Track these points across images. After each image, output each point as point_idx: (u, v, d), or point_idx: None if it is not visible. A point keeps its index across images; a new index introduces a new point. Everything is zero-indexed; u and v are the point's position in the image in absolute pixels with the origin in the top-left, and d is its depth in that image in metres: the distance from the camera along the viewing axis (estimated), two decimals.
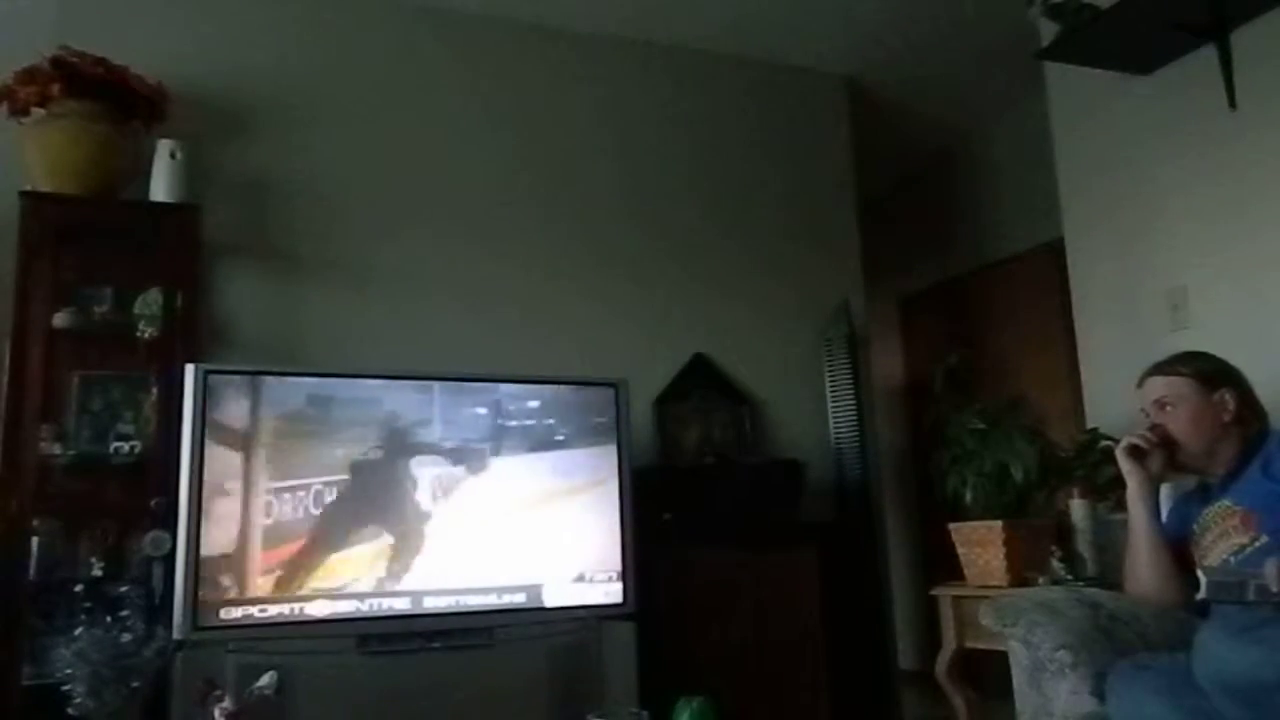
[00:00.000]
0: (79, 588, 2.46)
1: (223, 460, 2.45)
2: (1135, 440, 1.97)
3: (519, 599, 2.68)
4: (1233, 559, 1.78)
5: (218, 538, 2.42)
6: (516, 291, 3.40)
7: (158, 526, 2.52)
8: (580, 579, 2.76)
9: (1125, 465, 1.99)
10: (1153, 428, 1.98)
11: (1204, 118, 2.68)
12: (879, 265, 4.37)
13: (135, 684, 2.14)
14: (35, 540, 2.49)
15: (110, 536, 2.59)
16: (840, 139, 4.07)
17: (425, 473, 2.65)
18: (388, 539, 2.59)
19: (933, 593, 2.70)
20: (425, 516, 2.64)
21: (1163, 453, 1.96)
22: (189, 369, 2.48)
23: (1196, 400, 1.93)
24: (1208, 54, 2.65)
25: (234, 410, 2.49)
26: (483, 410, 2.76)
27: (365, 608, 2.53)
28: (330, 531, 2.54)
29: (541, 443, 2.81)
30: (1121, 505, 2.25)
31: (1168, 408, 1.96)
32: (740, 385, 3.64)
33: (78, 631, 2.18)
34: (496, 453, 2.75)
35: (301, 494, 2.52)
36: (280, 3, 3.32)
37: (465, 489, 2.69)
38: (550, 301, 3.44)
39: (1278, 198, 2.51)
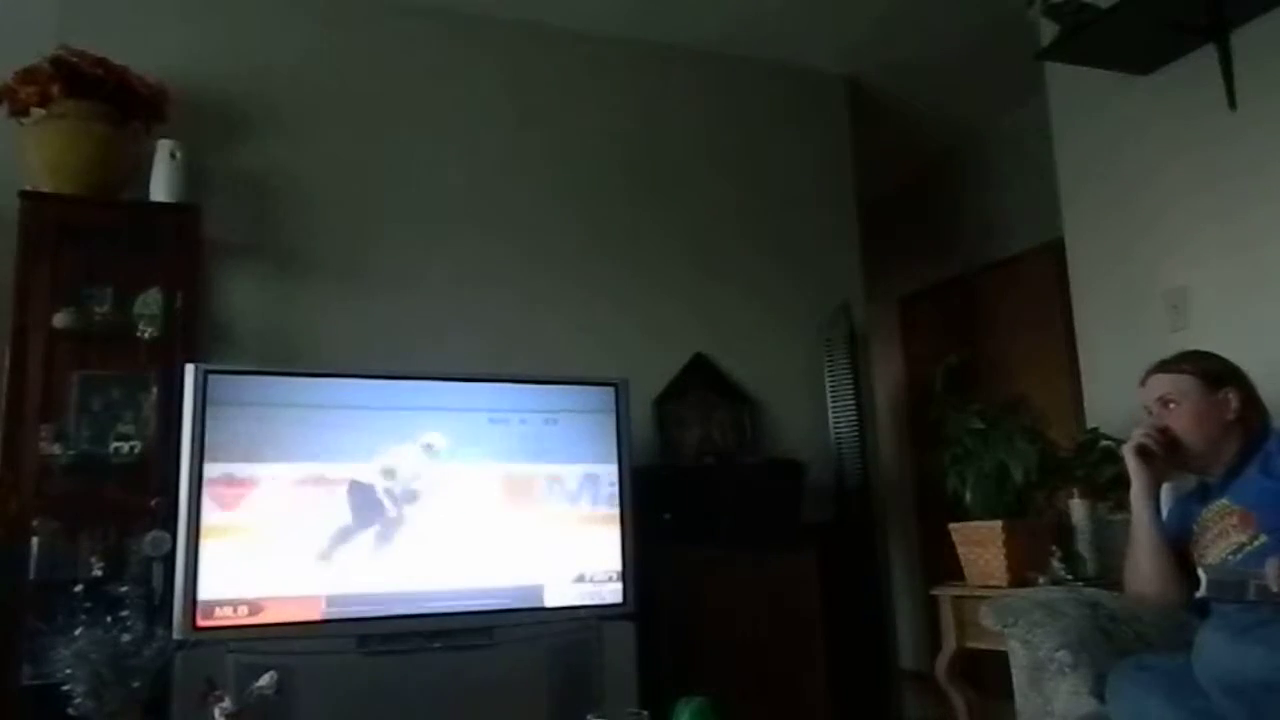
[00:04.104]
0: (79, 588, 2.44)
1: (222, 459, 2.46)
2: (1144, 440, 1.96)
3: (519, 599, 2.68)
4: (1231, 558, 1.78)
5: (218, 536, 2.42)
6: (517, 292, 3.40)
7: (158, 526, 2.53)
8: (580, 579, 2.76)
9: (1132, 464, 1.97)
10: (1157, 427, 1.97)
11: (1204, 118, 2.68)
12: (879, 265, 4.37)
13: (135, 684, 2.13)
14: (35, 540, 2.49)
15: (110, 536, 2.59)
16: (840, 139, 4.07)
17: (425, 472, 2.65)
18: (388, 538, 2.59)
19: (933, 593, 2.69)
20: (426, 516, 2.64)
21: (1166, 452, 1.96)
22: (189, 369, 2.48)
23: (1199, 398, 1.93)
24: (1208, 54, 2.65)
25: (234, 409, 2.49)
26: (483, 410, 2.76)
27: (365, 608, 2.53)
28: (330, 530, 2.53)
29: (541, 442, 2.80)
30: (1121, 505, 2.25)
31: (1171, 405, 1.96)
32: (740, 385, 3.64)
33: (78, 631, 2.17)
34: (497, 453, 2.74)
35: (301, 493, 2.52)
36: (280, 3, 3.32)
37: (465, 489, 2.69)
38: (550, 302, 3.44)
39: (1278, 198, 2.51)
